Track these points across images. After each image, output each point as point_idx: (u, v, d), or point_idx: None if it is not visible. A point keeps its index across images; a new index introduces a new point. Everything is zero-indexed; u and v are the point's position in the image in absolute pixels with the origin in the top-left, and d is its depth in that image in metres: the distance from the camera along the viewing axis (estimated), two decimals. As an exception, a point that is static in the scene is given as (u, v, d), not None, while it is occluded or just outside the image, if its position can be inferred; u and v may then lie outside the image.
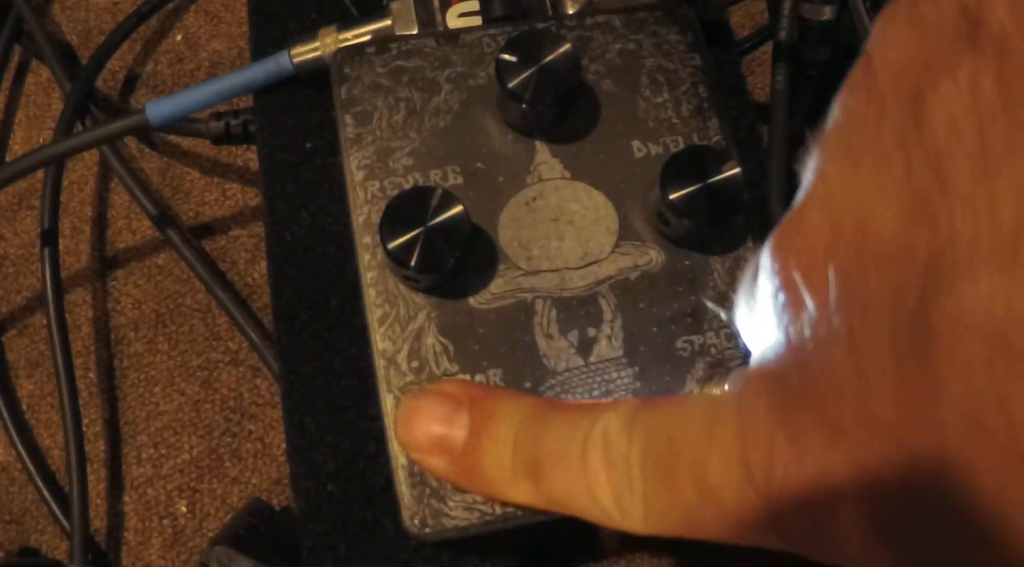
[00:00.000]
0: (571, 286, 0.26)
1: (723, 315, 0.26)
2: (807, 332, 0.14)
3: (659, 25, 0.29)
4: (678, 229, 0.25)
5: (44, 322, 0.39)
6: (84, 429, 0.38)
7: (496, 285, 0.26)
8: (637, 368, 0.25)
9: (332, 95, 0.28)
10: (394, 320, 0.25)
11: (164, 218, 0.41)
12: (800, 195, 0.15)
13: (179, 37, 0.46)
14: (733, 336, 0.25)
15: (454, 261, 0.24)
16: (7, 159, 0.45)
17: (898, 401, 0.13)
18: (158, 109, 0.32)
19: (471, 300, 0.25)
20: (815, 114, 0.34)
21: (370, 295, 0.25)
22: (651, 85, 0.28)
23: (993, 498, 0.12)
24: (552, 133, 0.27)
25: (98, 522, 0.38)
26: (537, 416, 0.22)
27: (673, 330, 0.25)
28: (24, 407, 0.40)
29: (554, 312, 0.25)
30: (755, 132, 0.31)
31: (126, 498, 0.38)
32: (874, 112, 0.14)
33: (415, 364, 0.25)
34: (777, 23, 0.33)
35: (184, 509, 0.38)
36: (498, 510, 0.23)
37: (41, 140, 0.45)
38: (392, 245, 0.24)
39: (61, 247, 0.41)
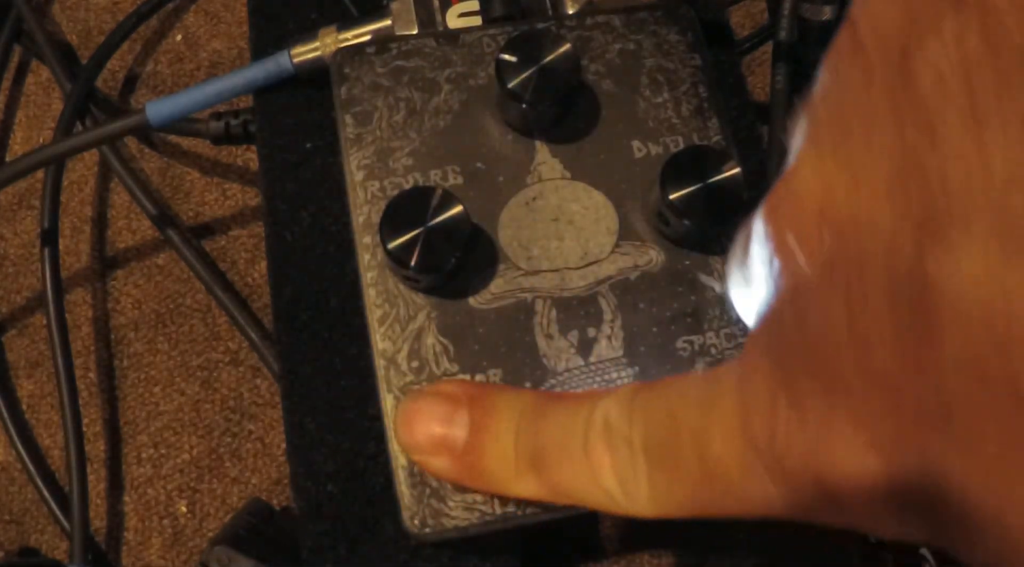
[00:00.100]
0: (571, 286, 0.26)
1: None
2: (804, 294, 0.14)
3: (659, 25, 0.29)
4: (678, 229, 0.25)
5: (44, 322, 0.39)
6: (84, 429, 0.38)
7: (496, 285, 0.26)
8: (637, 368, 0.25)
9: (332, 95, 0.28)
10: (394, 320, 0.25)
11: (164, 218, 0.41)
12: (791, 160, 0.15)
13: (179, 37, 0.46)
14: (733, 336, 0.25)
15: (454, 261, 0.24)
16: (7, 159, 0.45)
17: (898, 354, 0.13)
18: (158, 109, 0.32)
19: (471, 300, 0.25)
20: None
21: (370, 295, 0.25)
22: (651, 85, 0.28)
23: (994, 444, 0.12)
24: (552, 133, 0.27)
25: (98, 522, 0.38)
26: (537, 409, 0.22)
27: (673, 330, 0.25)
28: (24, 407, 0.40)
29: (554, 312, 0.25)
30: (755, 132, 0.31)
31: (126, 498, 0.38)
32: (861, 73, 0.14)
33: (415, 364, 0.25)
34: (777, 23, 0.33)
35: (184, 509, 0.38)
36: (498, 510, 0.23)
37: (41, 140, 0.45)
38: (392, 245, 0.24)
39: (61, 247, 0.41)
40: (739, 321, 0.26)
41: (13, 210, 0.44)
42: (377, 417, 0.26)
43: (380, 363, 0.25)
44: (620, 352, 0.25)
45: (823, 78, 0.15)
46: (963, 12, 0.12)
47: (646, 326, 0.25)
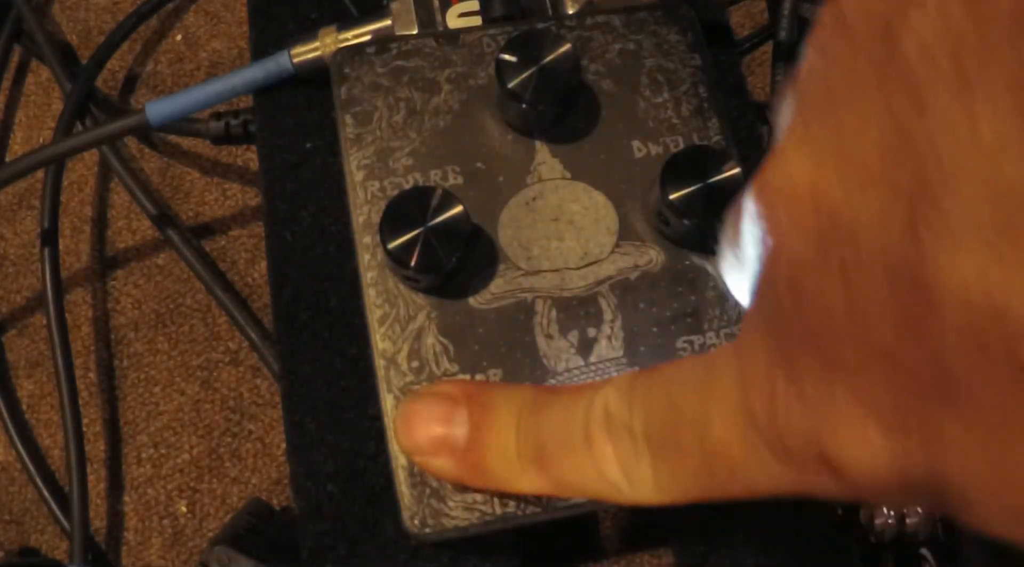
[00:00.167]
0: (571, 286, 0.26)
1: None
2: (798, 271, 0.14)
3: (659, 25, 0.29)
4: (678, 229, 0.25)
5: (44, 322, 0.39)
6: (84, 429, 0.38)
7: (496, 285, 0.26)
8: (637, 368, 0.25)
9: (332, 95, 0.28)
10: (394, 320, 0.25)
11: (164, 218, 0.41)
12: (779, 138, 0.15)
13: (179, 37, 0.46)
14: (733, 336, 0.25)
15: (454, 261, 0.24)
16: (7, 159, 0.45)
17: (895, 325, 0.13)
18: (158, 109, 0.32)
19: (471, 300, 0.25)
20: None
21: (370, 295, 0.25)
22: (651, 85, 0.28)
23: (995, 414, 0.12)
24: (552, 133, 0.27)
25: (98, 522, 0.38)
26: (536, 403, 0.22)
27: (673, 330, 0.25)
28: (24, 407, 0.40)
29: (554, 312, 0.25)
30: (755, 132, 0.31)
31: (126, 498, 0.38)
32: (846, 47, 0.14)
33: (415, 364, 0.25)
34: (777, 23, 0.33)
35: (184, 509, 0.38)
36: (498, 510, 0.23)
37: (41, 140, 0.45)
38: (392, 245, 0.24)
39: (61, 247, 0.41)
40: (739, 321, 0.26)
41: (13, 210, 0.44)
42: (377, 417, 0.26)
43: (380, 363, 0.25)
44: (620, 352, 0.25)
45: (808, 55, 0.15)
46: None
47: (646, 326, 0.25)
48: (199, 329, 0.40)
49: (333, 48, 0.30)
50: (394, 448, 0.24)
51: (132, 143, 0.44)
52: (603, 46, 0.29)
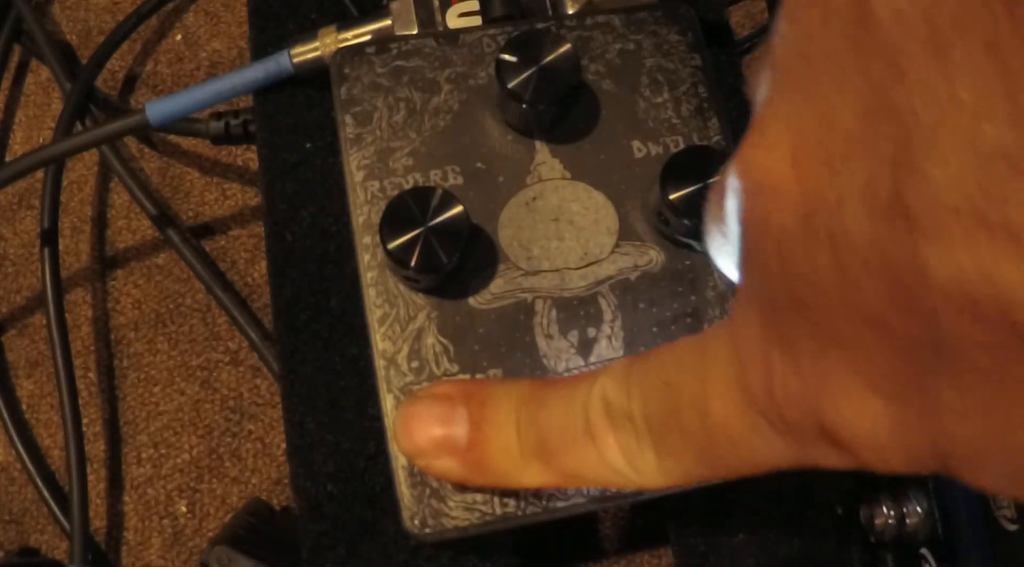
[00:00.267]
0: (571, 286, 0.26)
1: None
2: (786, 243, 0.14)
3: (659, 25, 0.29)
4: (678, 229, 0.25)
5: (44, 322, 0.39)
6: (84, 429, 0.38)
7: (496, 285, 0.26)
8: (637, 368, 0.25)
9: (332, 95, 0.28)
10: (394, 320, 0.25)
11: (164, 218, 0.41)
12: (757, 112, 0.15)
13: (179, 37, 0.46)
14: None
15: (454, 261, 0.24)
16: (7, 159, 0.45)
17: (886, 291, 0.13)
18: (158, 109, 0.32)
19: (471, 300, 0.25)
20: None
21: (370, 295, 0.25)
22: (651, 85, 0.28)
23: (989, 377, 0.12)
24: (552, 133, 0.27)
25: (98, 522, 0.38)
26: (534, 396, 0.22)
27: (673, 330, 0.25)
28: (24, 407, 0.40)
29: (554, 312, 0.25)
30: (755, 132, 0.31)
31: (126, 498, 0.38)
32: (819, 16, 0.14)
33: (415, 364, 0.25)
34: (777, 23, 0.33)
35: (184, 509, 0.38)
36: (498, 510, 0.23)
37: (41, 140, 0.45)
38: (392, 245, 0.24)
39: (61, 247, 0.41)
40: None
41: (13, 210, 0.44)
42: (377, 417, 0.26)
43: (380, 363, 0.25)
44: (620, 352, 0.25)
45: (780, 27, 0.15)
46: None
47: (646, 326, 0.25)
48: (199, 329, 0.40)
49: (333, 48, 0.30)
50: (394, 448, 0.24)
51: (132, 143, 0.44)
52: (603, 46, 0.29)
